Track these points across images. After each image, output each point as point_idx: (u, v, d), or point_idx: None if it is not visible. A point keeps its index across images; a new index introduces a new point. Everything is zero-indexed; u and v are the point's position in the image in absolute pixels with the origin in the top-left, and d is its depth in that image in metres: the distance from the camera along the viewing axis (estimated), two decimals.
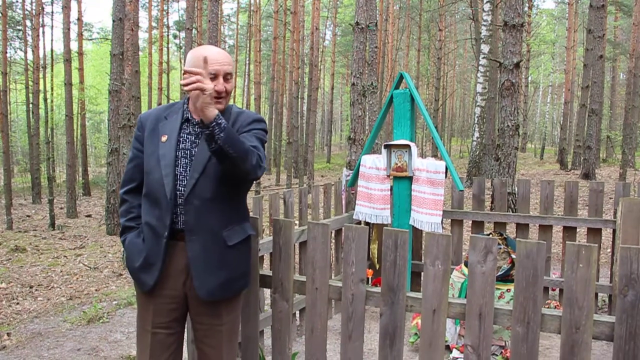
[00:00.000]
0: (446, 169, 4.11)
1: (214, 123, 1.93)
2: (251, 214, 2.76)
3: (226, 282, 2.23)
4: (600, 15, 14.94)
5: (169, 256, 2.22)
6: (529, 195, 4.52)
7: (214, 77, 2.17)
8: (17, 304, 5.96)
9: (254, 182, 2.42)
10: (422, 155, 27.09)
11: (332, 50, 35.21)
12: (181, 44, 30.21)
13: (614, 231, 4.26)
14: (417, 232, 4.79)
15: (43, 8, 21.54)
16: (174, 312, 2.27)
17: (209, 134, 1.94)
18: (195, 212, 2.17)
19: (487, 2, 14.98)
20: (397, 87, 4.44)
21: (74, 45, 20.97)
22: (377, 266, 4.72)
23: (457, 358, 3.56)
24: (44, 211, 16.00)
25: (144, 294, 2.29)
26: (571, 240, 4.39)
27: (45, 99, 19.34)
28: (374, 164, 4.41)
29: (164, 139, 2.24)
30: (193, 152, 2.21)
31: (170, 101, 27.71)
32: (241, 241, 2.28)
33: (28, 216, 15.53)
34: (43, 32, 21.30)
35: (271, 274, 2.68)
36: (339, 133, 53.40)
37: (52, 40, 23.61)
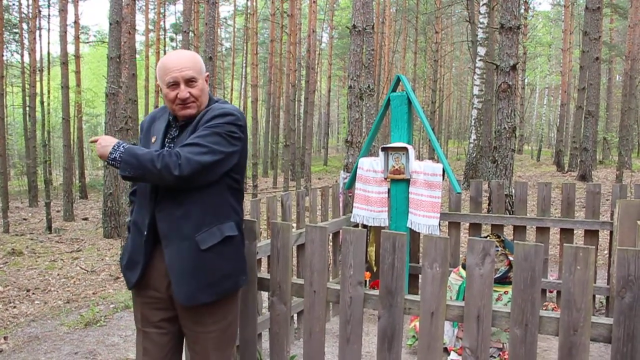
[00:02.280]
0: (443, 171, 4.12)
1: (109, 160, 2.08)
2: (248, 217, 2.76)
3: (205, 287, 2.18)
4: (596, 18, 15.00)
5: (152, 258, 2.25)
6: (526, 197, 4.53)
7: (174, 85, 2.19)
8: (14, 307, 5.94)
9: (242, 182, 2.36)
10: (419, 157, 27.13)
11: (329, 52, 35.28)
12: (178, 47, 30.20)
13: (611, 233, 4.27)
14: (414, 235, 4.79)
15: (40, 11, 21.52)
16: (161, 312, 2.29)
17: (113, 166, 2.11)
18: (166, 218, 2.18)
19: (483, 4, 15.03)
20: (394, 90, 4.45)
21: (70, 48, 21.00)
22: (375, 269, 4.72)
23: None
24: (40, 214, 15.96)
25: (133, 293, 2.35)
26: (568, 242, 4.40)
27: (42, 102, 19.32)
28: (371, 166, 4.42)
29: (153, 140, 2.30)
30: None
31: None
32: (217, 244, 2.19)
33: (25, 219, 15.48)
34: (40, 35, 21.26)
35: (269, 277, 2.68)
36: (336, 136, 53.40)
37: (48, 43, 23.64)
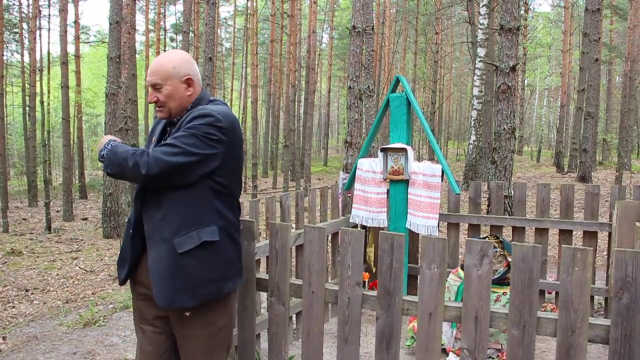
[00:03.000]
0: (442, 172, 4.12)
1: (99, 157, 2.17)
2: (247, 217, 2.77)
3: (182, 291, 2.14)
4: (595, 19, 14.99)
5: (141, 256, 2.28)
6: (525, 198, 4.53)
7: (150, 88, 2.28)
8: (13, 307, 5.94)
9: (232, 186, 2.32)
10: (419, 158, 27.12)
11: (329, 53, 35.27)
12: (178, 47, 30.19)
13: (610, 234, 4.27)
14: (413, 236, 4.80)
15: (40, 11, 21.52)
16: (153, 309, 2.30)
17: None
18: (150, 220, 2.21)
19: (483, 5, 15.03)
20: (393, 91, 4.45)
21: (70, 48, 21.00)
22: (374, 269, 4.73)
23: None
24: (40, 214, 15.95)
25: (130, 289, 2.39)
26: (567, 243, 4.40)
27: (41, 102, 19.29)
28: (370, 167, 4.42)
29: (153, 140, 2.36)
30: None
31: None
32: (194, 248, 2.14)
33: (24, 219, 15.48)
34: (40, 35, 21.26)
35: (267, 278, 2.68)
36: (336, 136, 53.38)
37: (48, 43, 23.65)
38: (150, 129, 2.51)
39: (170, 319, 2.27)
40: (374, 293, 2.41)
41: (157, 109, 2.28)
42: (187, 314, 2.21)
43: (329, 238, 4.54)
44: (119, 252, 2.41)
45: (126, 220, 2.44)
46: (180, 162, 2.08)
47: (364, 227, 4.62)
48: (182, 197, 2.16)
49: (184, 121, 2.20)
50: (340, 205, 4.74)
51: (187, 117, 2.19)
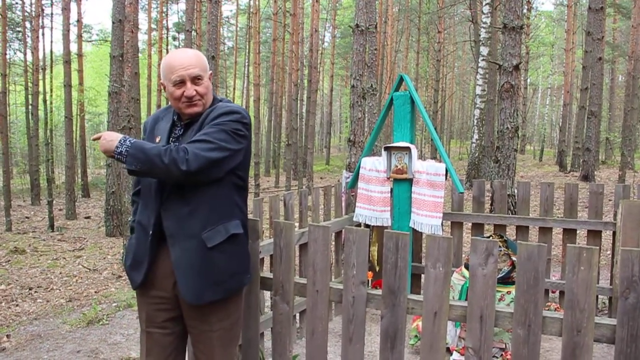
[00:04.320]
0: (446, 171, 4.11)
1: (115, 154, 2.06)
2: (251, 216, 2.76)
3: (211, 285, 2.18)
4: (599, 18, 14.96)
5: (157, 257, 2.24)
6: (528, 197, 4.52)
7: (180, 83, 2.19)
8: (17, 305, 5.95)
9: (247, 181, 2.35)
10: (422, 157, 27.07)
11: (332, 52, 35.23)
12: (181, 46, 30.19)
13: (614, 233, 4.26)
14: (417, 235, 4.78)
15: (43, 10, 21.53)
16: (165, 312, 2.28)
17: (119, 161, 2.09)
18: (173, 217, 2.18)
19: (486, 4, 15.00)
20: (397, 89, 4.44)
21: (73, 47, 20.97)
22: (378, 268, 4.72)
23: None
24: (43, 213, 15.98)
25: (138, 293, 2.35)
26: (571, 242, 4.39)
27: (44, 101, 19.32)
28: (374, 166, 4.41)
29: (157, 139, 2.29)
30: None
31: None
32: (223, 241, 2.20)
33: (27, 218, 15.51)
34: (42, 34, 21.27)
35: (272, 276, 2.68)
36: (338, 135, 53.36)
37: (51, 41, 23.58)
38: (142, 129, 2.45)
39: (189, 315, 2.26)
40: (378, 292, 2.41)
41: (191, 103, 2.21)
42: (210, 308, 2.22)
43: (333, 237, 4.53)
44: (127, 256, 2.34)
45: (130, 222, 2.40)
46: (216, 158, 2.10)
47: (367, 226, 4.61)
48: (210, 192, 2.18)
49: (208, 118, 2.20)
50: (343, 204, 4.73)
51: (211, 114, 2.20)
